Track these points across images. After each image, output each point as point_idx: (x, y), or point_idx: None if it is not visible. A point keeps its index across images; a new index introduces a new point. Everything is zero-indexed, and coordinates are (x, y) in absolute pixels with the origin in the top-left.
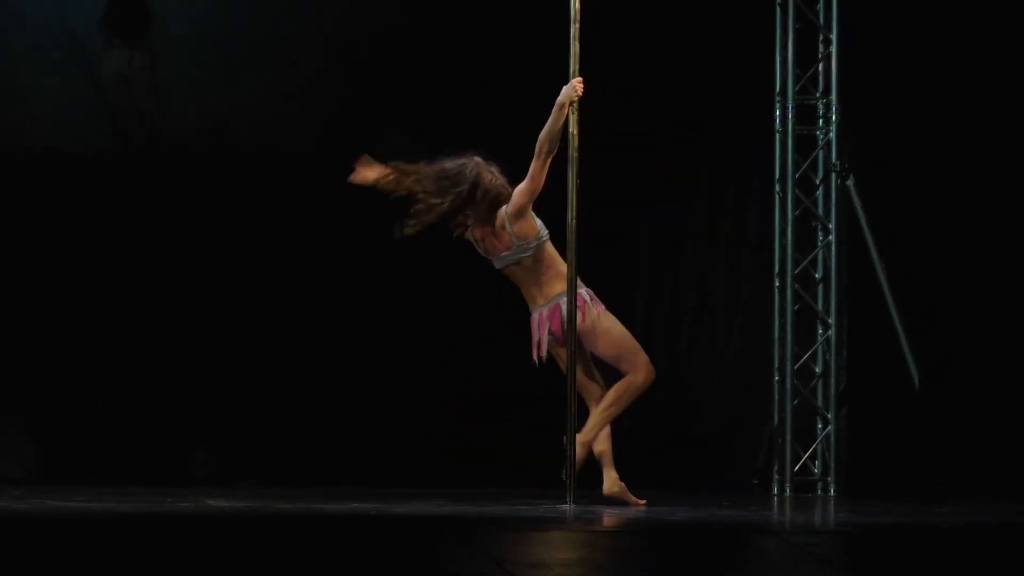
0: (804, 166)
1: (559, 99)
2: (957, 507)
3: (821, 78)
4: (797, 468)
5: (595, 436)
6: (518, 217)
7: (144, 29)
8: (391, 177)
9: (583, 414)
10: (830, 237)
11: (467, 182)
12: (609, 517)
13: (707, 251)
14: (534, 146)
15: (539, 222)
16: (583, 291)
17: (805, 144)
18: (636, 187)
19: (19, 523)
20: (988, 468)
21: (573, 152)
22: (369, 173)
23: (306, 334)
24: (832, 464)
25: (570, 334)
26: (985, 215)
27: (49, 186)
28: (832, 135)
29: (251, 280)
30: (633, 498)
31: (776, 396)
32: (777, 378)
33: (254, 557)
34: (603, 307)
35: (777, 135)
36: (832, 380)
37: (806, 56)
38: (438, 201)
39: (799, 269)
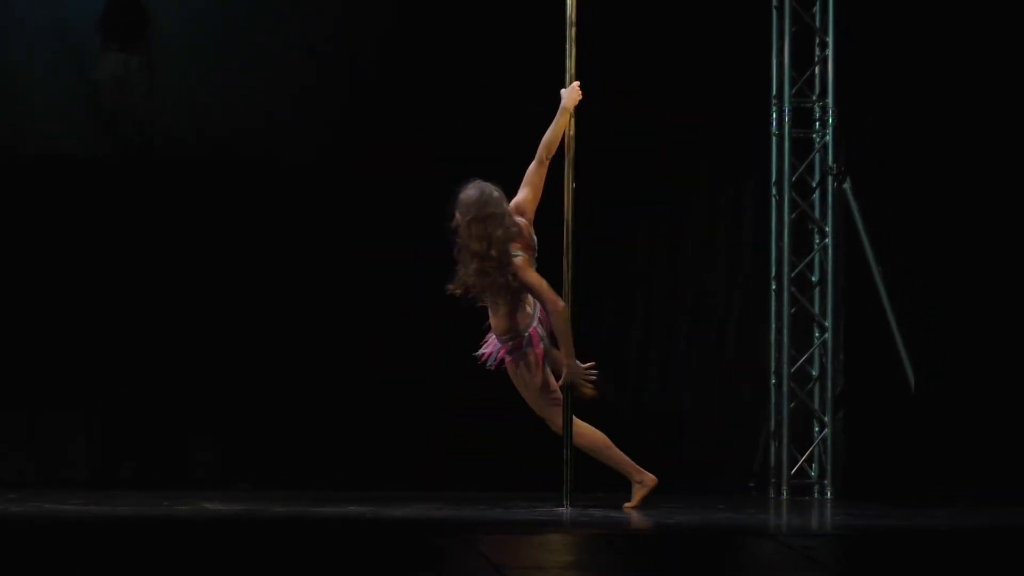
0: (800, 169)
1: (565, 104)
2: (954, 510)
3: (817, 81)
4: (794, 471)
5: None
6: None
7: (141, 32)
8: None
9: (581, 415)
10: (827, 240)
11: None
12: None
13: (704, 254)
14: (533, 145)
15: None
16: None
17: (801, 147)
18: (633, 189)
19: (15, 527)
20: (985, 470)
21: (570, 154)
22: None
23: (303, 336)
24: (829, 467)
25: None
26: (984, 215)
27: (46, 188)
28: (828, 138)
29: (248, 283)
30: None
31: (773, 399)
32: (774, 381)
33: (251, 560)
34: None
35: (774, 138)
36: (829, 383)
37: (802, 59)
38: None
39: (795, 272)
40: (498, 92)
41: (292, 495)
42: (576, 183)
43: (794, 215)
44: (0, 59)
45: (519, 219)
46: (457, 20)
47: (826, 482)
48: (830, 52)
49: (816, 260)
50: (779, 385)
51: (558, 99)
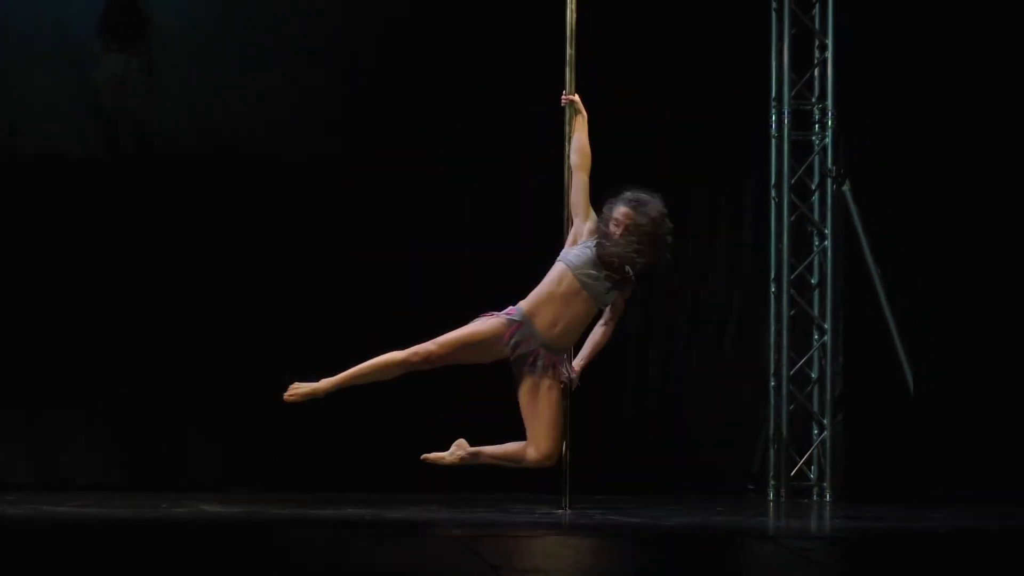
0: (800, 171)
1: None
2: (952, 512)
3: (817, 83)
4: (793, 473)
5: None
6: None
7: (141, 32)
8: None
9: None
10: (826, 242)
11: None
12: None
13: (704, 256)
14: (534, 146)
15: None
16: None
17: (801, 149)
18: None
19: (13, 529)
20: (984, 471)
21: (568, 156)
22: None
23: (301, 338)
24: (828, 469)
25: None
26: (984, 215)
27: (44, 189)
28: (828, 140)
29: (246, 285)
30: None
31: (772, 401)
32: (773, 383)
33: (249, 562)
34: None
35: (773, 140)
36: (828, 385)
37: (802, 61)
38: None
39: (795, 275)
40: (498, 92)
41: (291, 497)
42: None
43: (793, 217)
44: None
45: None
46: (457, 20)
47: (825, 484)
48: (829, 54)
49: (815, 262)
50: (778, 387)
51: (558, 99)
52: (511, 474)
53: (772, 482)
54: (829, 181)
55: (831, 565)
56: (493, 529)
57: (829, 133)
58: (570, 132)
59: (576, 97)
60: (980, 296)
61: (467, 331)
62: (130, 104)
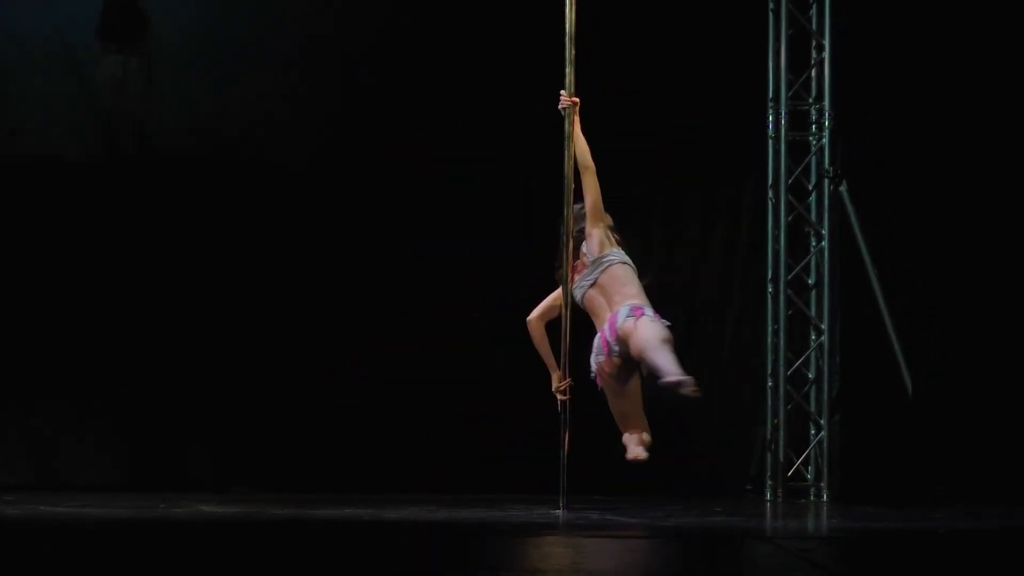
0: (797, 172)
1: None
2: (950, 512)
3: (814, 84)
4: (790, 473)
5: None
6: (588, 236)
7: (140, 32)
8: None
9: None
10: (823, 243)
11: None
12: (603, 522)
13: (701, 256)
14: (534, 146)
15: (614, 246)
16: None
17: (798, 150)
18: (630, 191)
19: (11, 529)
20: (983, 472)
21: (568, 159)
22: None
23: (300, 339)
24: (825, 469)
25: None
26: (984, 215)
27: (43, 191)
28: (825, 141)
29: (245, 286)
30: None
31: (769, 402)
32: (770, 384)
33: (247, 563)
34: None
35: (770, 141)
36: (825, 386)
37: (799, 62)
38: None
39: (792, 275)
40: (498, 92)
41: (289, 498)
42: (575, 184)
43: (790, 218)
44: None
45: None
46: (456, 20)
47: (822, 484)
48: (826, 55)
49: (813, 263)
50: (776, 387)
51: (558, 99)
52: (510, 474)
53: (770, 482)
54: (826, 181)
55: (829, 565)
56: (491, 529)
57: (826, 134)
58: (571, 133)
59: (577, 100)
60: (980, 296)
61: None
62: (129, 105)
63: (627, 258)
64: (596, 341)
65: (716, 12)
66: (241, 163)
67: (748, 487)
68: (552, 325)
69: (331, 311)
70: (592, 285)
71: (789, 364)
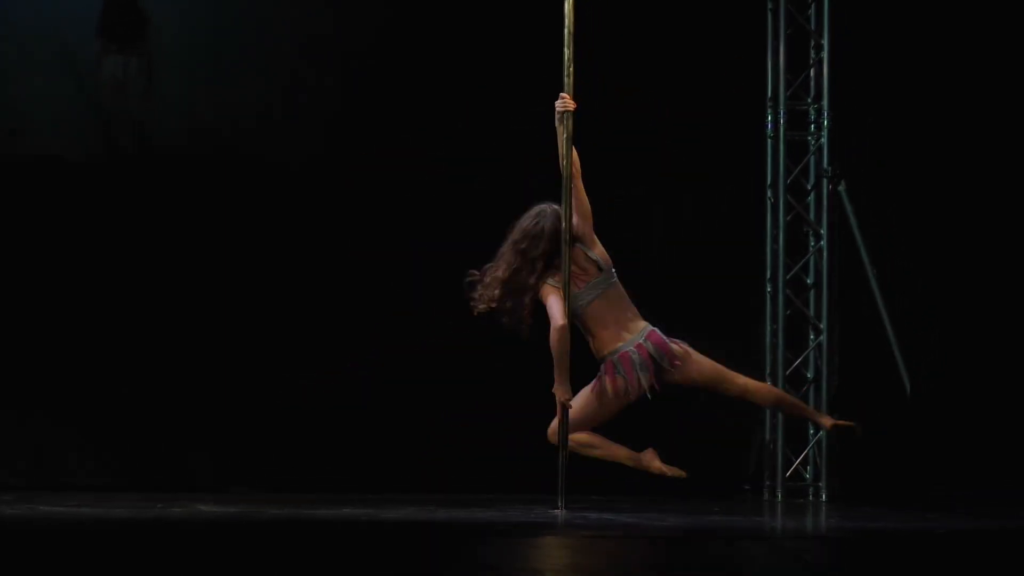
0: (795, 172)
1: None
2: (949, 512)
3: (813, 84)
4: (788, 473)
5: None
6: (591, 243)
7: (141, 32)
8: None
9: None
10: (822, 243)
11: (545, 236)
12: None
13: (699, 256)
14: (534, 146)
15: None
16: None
17: (797, 150)
18: (628, 192)
19: (9, 529)
20: (981, 472)
21: (564, 161)
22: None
23: (298, 339)
24: (823, 469)
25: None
26: (984, 215)
27: (42, 191)
28: (824, 140)
29: (245, 286)
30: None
31: None
32: (769, 383)
33: (245, 563)
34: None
35: (769, 140)
36: (824, 385)
37: (798, 62)
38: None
39: (791, 275)
40: (498, 92)
41: (287, 498)
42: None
43: (789, 217)
44: None
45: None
46: (456, 20)
47: (821, 484)
48: (825, 54)
49: (811, 262)
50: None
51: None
52: (509, 474)
53: (768, 482)
54: (825, 181)
55: (827, 565)
56: (490, 529)
57: (825, 133)
58: (569, 138)
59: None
60: (980, 296)
61: None
62: (129, 105)
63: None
64: (636, 355)
65: (715, 12)
66: (241, 163)
67: (746, 487)
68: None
69: (331, 311)
70: (601, 295)
71: (787, 364)
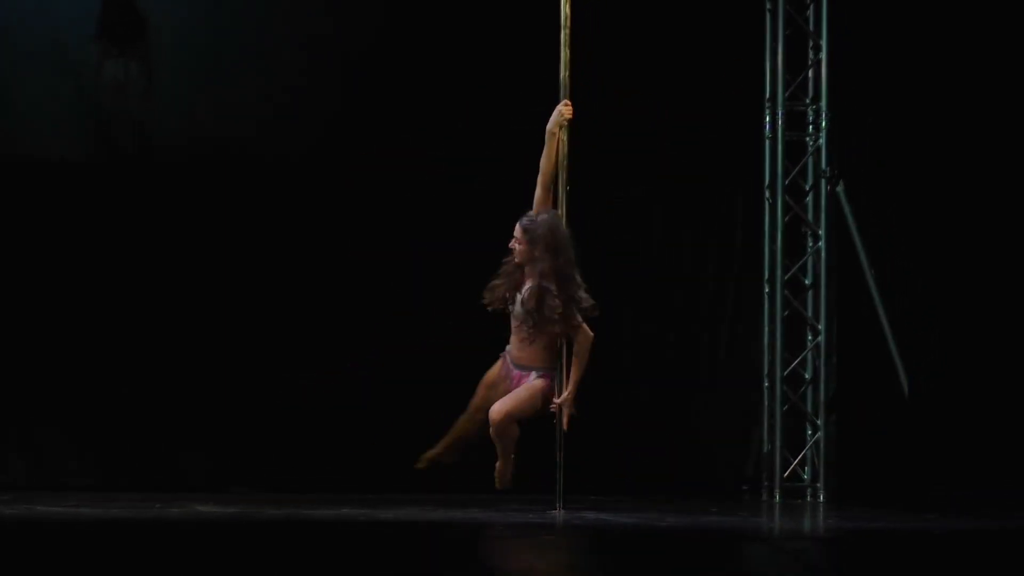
0: (794, 172)
1: (548, 127)
2: (946, 512)
3: (811, 84)
4: (786, 474)
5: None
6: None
7: (140, 33)
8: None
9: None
10: (820, 243)
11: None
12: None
13: (698, 256)
14: (534, 146)
15: None
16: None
17: (795, 150)
18: (626, 192)
19: (8, 528)
20: (979, 472)
21: (563, 162)
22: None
23: (298, 339)
24: (821, 470)
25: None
26: (983, 215)
27: (42, 192)
28: (822, 141)
29: (245, 287)
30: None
31: (766, 402)
32: (767, 384)
33: (243, 563)
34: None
35: (767, 141)
36: (821, 386)
37: (796, 62)
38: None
39: (789, 275)
40: (498, 92)
41: (285, 498)
42: (570, 186)
43: (787, 218)
44: None
45: None
46: (456, 20)
47: (818, 485)
48: (824, 55)
49: (809, 263)
50: (772, 388)
51: (557, 100)
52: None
53: (766, 483)
54: (823, 182)
55: (824, 565)
56: (488, 530)
57: (823, 134)
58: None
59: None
60: (979, 296)
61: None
62: (129, 106)
63: None
64: (548, 384)
65: (713, 12)
66: (241, 164)
67: (744, 487)
68: None
69: (331, 311)
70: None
71: (786, 364)
